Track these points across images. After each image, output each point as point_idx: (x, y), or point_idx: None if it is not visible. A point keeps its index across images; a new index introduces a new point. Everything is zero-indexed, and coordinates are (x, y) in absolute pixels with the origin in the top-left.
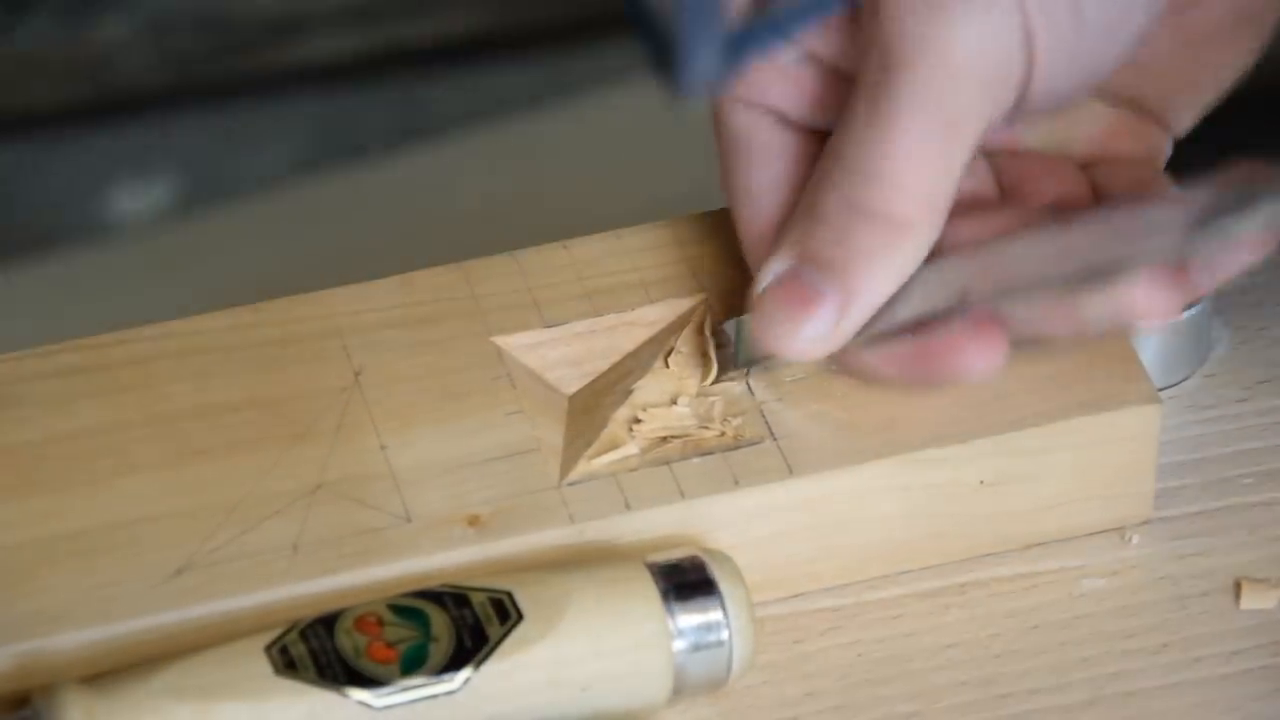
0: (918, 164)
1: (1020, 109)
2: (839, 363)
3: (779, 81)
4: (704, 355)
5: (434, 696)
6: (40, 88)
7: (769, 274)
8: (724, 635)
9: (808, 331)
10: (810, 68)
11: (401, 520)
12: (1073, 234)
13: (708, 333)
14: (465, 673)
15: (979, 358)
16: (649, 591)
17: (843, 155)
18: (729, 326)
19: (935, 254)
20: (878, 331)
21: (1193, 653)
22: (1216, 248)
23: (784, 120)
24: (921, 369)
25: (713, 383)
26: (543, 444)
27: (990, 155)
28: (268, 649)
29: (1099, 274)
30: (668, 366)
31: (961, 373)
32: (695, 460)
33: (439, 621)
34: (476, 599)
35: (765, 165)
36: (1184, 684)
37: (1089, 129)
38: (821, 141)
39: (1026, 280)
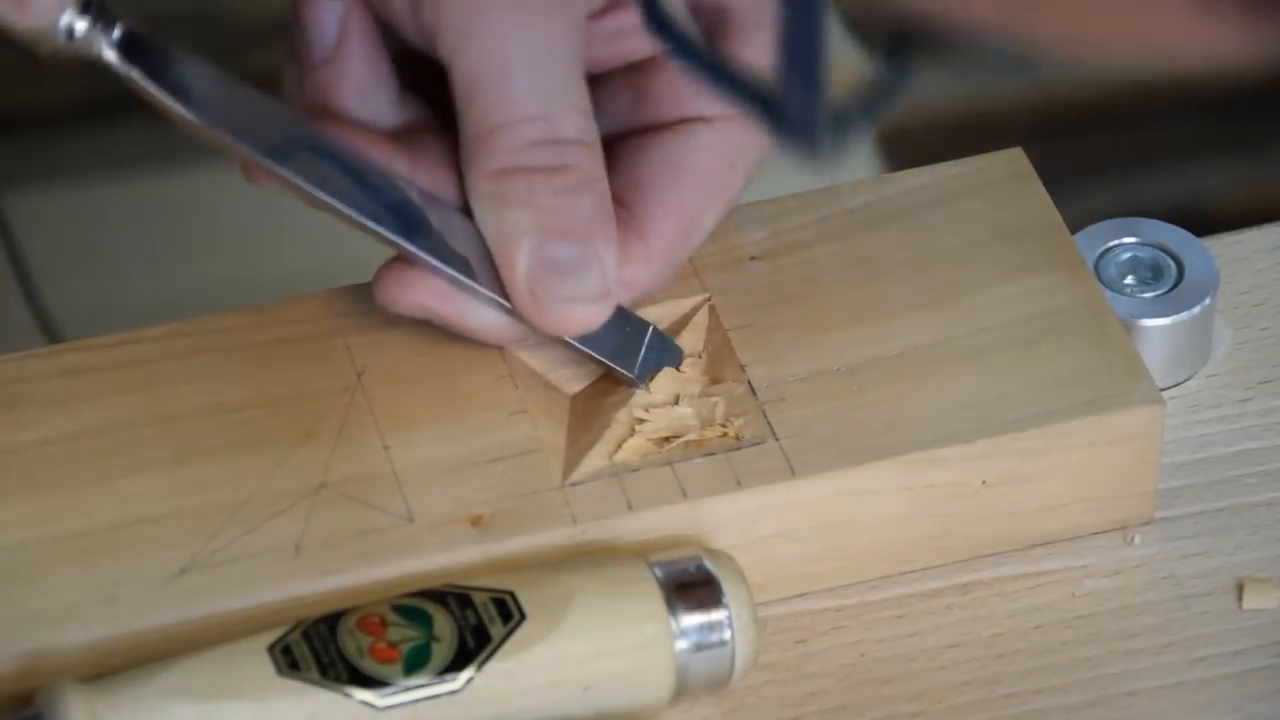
0: (548, 86)
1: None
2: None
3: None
4: (720, 354)
5: (437, 697)
6: (41, 87)
7: (520, 271)
8: (726, 635)
9: (592, 298)
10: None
11: (404, 520)
12: None
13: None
14: (468, 673)
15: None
16: (651, 591)
17: (475, 132)
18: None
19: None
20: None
21: (1195, 653)
22: None
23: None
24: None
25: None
26: (545, 444)
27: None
28: (270, 649)
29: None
30: (680, 371)
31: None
32: (698, 461)
33: (442, 622)
34: (479, 599)
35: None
36: (1186, 684)
37: None
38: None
39: None
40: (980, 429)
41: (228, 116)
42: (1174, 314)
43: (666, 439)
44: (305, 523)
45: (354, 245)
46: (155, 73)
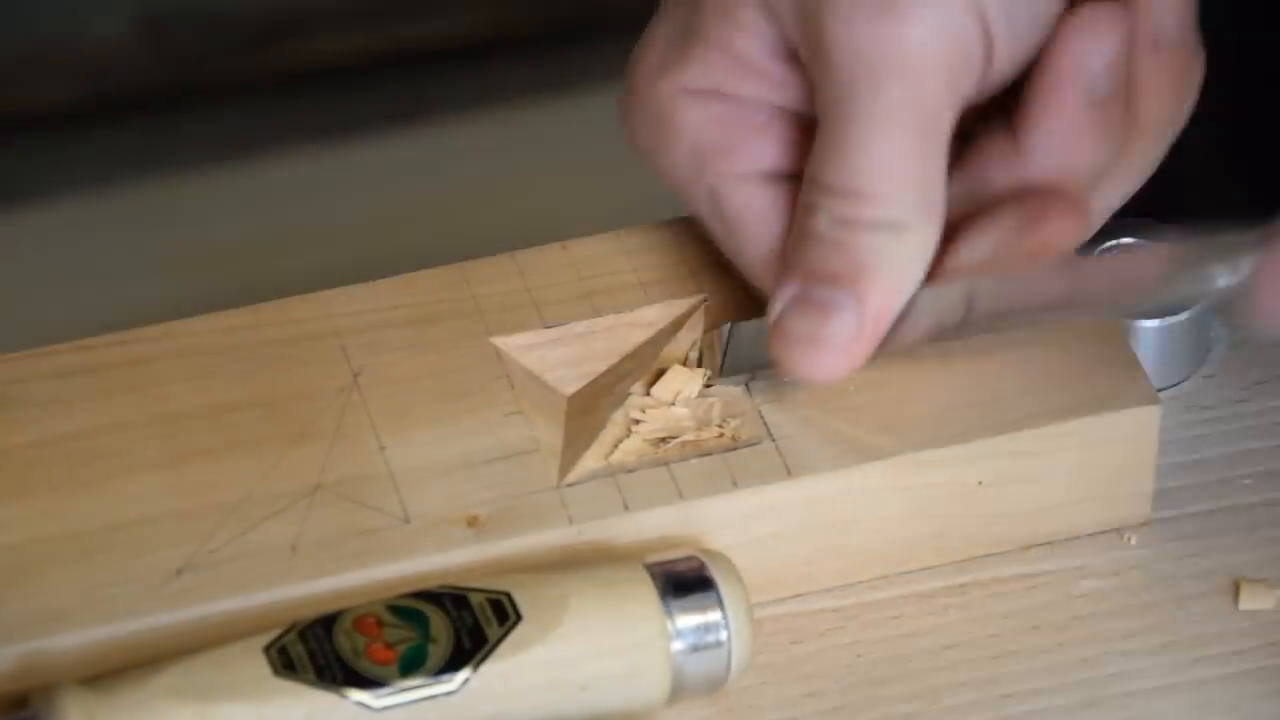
0: (899, 168)
1: (979, 93)
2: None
3: (758, 143)
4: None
5: (433, 697)
6: (41, 88)
7: (779, 301)
8: (722, 636)
9: (829, 345)
10: (779, 120)
11: (400, 521)
12: (1071, 267)
13: (698, 346)
14: (464, 674)
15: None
16: (647, 592)
17: (822, 178)
18: (722, 331)
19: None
20: (888, 351)
21: (1192, 653)
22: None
23: (771, 176)
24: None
25: (706, 386)
26: (542, 445)
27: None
28: (267, 650)
29: (1080, 308)
30: (686, 365)
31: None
32: (694, 461)
33: (438, 622)
34: (475, 600)
35: (762, 223)
36: (1183, 684)
37: None
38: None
39: (1025, 304)
40: (977, 429)
41: None
42: (1170, 314)
43: (663, 439)
44: (301, 523)
45: (353, 245)
46: None
